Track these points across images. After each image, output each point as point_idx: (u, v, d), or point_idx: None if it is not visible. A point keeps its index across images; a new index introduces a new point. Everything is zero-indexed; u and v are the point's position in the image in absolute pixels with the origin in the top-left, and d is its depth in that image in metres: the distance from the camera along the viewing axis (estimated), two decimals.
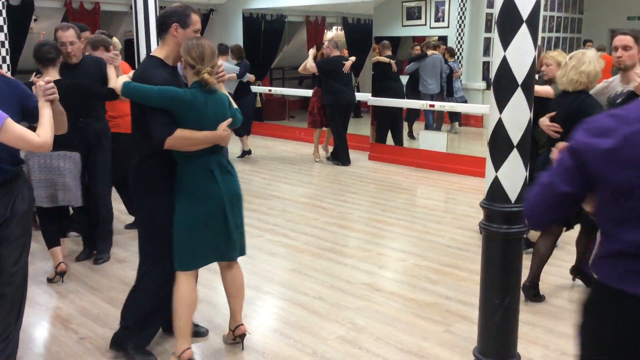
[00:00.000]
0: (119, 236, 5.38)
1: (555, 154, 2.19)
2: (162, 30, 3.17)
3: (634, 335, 1.67)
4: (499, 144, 2.70)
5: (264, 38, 12.66)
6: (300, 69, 9.16)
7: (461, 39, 10.83)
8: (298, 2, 11.66)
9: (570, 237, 5.37)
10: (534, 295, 4.09)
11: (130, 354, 3.28)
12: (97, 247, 4.92)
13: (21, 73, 7.60)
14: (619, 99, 3.88)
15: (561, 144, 2.15)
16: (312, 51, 9.29)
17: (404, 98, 9.60)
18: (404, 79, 10.18)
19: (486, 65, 10.81)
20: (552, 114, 4.06)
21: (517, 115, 2.64)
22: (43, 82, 2.97)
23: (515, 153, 2.67)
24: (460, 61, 10.78)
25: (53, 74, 4.29)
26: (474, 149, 9.30)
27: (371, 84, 9.76)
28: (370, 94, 9.63)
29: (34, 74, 4.37)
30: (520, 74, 2.61)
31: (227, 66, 8.84)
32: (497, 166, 2.71)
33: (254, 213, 6.30)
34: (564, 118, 3.93)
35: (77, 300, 4.15)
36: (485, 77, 10.83)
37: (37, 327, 3.73)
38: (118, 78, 3.16)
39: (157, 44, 3.44)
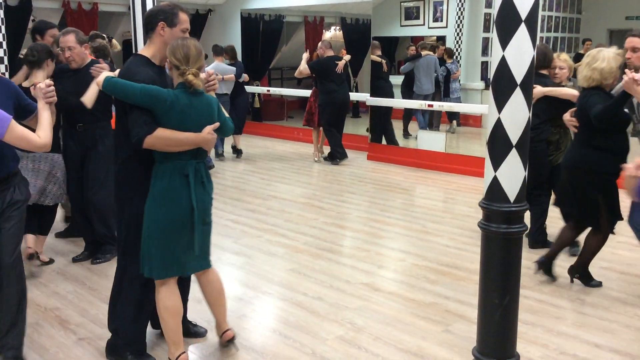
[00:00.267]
0: None
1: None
2: (149, 29, 3.08)
3: None
4: (498, 144, 2.70)
5: (262, 38, 12.66)
6: (295, 74, 9.30)
7: (459, 38, 10.83)
8: (296, 3, 11.66)
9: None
10: (585, 277, 4.32)
11: (129, 359, 3.24)
12: (97, 250, 4.91)
13: None
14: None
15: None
16: (305, 55, 9.37)
17: (392, 98, 9.68)
18: (398, 79, 10.25)
19: (485, 65, 10.82)
20: (574, 109, 4.28)
21: (516, 115, 2.64)
22: (43, 84, 3.04)
23: (514, 153, 2.67)
24: (458, 62, 10.78)
25: (39, 76, 4.31)
26: (472, 149, 9.31)
27: (370, 84, 9.80)
28: (368, 94, 9.65)
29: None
30: (519, 74, 2.61)
31: (225, 67, 8.93)
32: (496, 166, 2.71)
33: (252, 213, 6.30)
34: (578, 113, 4.16)
35: (76, 300, 4.15)
36: (484, 77, 10.84)
37: (35, 327, 3.72)
38: (101, 74, 3.07)
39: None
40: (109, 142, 4.62)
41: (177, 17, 3.07)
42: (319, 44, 9.20)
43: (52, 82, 3.11)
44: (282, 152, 10.14)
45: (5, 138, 2.84)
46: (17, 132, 2.86)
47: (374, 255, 5.06)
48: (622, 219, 4.15)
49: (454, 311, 3.96)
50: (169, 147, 2.94)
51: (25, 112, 3.14)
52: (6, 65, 6.93)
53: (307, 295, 4.21)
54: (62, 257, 4.97)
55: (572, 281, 4.39)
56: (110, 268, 4.75)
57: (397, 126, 10.03)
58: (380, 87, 9.55)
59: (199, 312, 3.74)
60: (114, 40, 6.62)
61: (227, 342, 3.39)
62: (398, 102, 9.97)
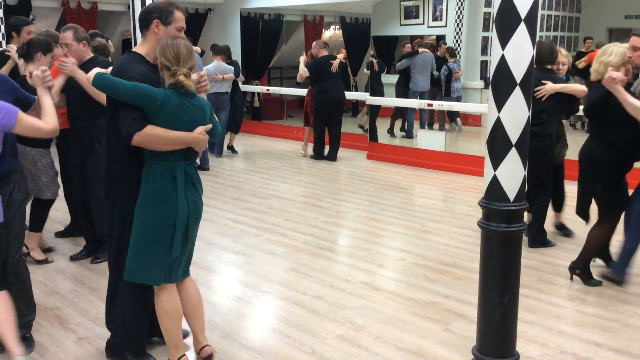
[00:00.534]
0: None
1: None
2: (144, 26, 3.04)
3: None
4: (498, 143, 2.70)
5: (261, 37, 12.66)
6: (297, 79, 9.44)
7: (459, 37, 10.84)
8: (296, 2, 11.65)
9: (568, 236, 5.38)
10: (585, 274, 4.36)
11: (129, 358, 3.23)
12: (97, 250, 4.91)
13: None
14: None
15: None
16: (302, 58, 9.46)
17: (382, 97, 9.84)
18: (393, 78, 10.32)
19: (484, 64, 10.83)
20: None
21: (515, 114, 2.64)
22: (39, 71, 3.10)
23: (513, 152, 2.67)
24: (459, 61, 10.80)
25: (30, 68, 4.37)
26: (472, 148, 9.31)
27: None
28: (367, 93, 9.69)
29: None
30: (518, 73, 2.61)
31: (226, 67, 9.02)
32: (495, 165, 2.71)
33: (252, 212, 6.30)
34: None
35: (76, 300, 4.15)
36: (484, 76, 10.84)
37: (35, 327, 3.71)
38: (94, 69, 3.01)
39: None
40: (105, 141, 4.58)
41: (172, 15, 3.01)
42: (313, 43, 9.31)
43: (46, 68, 3.18)
44: (281, 151, 10.14)
45: (16, 129, 2.91)
46: (25, 122, 2.94)
47: (373, 255, 5.06)
48: (618, 212, 4.19)
49: (453, 310, 3.96)
50: (158, 146, 2.88)
51: (24, 106, 3.19)
52: None
53: (307, 295, 4.21)
54: (61, 257, 4.97)
55: (571, 278, 4.39)
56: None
57: (386, 124, 10.15)
58: (371, 86, 9.79)
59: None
60: (109, 42, 6.61)
61: (204, 359, 3.26)
62: (398, 101, 9.97)
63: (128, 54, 3.10)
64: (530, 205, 4.53)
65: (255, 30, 12.55)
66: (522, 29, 2.57)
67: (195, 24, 12.48)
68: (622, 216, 4.19)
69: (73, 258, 4.89)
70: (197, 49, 9.04)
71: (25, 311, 3.38)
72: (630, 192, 4.18)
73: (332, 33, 14.08)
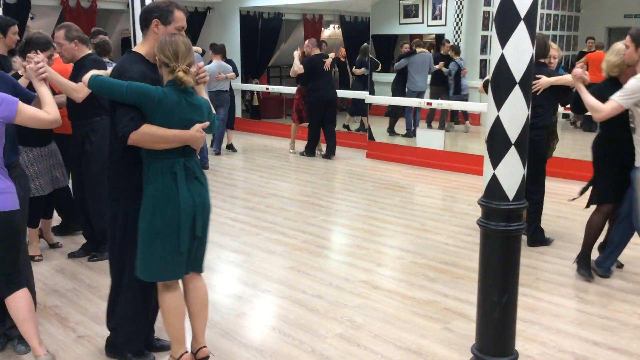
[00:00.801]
0: None
1: None
2: (144, 26, 3.03)
3: None
4: (497, 142, 2.69)
5: (261, 36, 12.66)
6: (291, 73, 9.55)
7: (458, 37, 10.83)
8: (295, 0, 11.65)
9: (566, 233, 5.38)
10: (582, 265, 4.43)
11: (129, 357, 3.23)
12: (95, 248, 4.91)
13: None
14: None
15: None
16: (297, 52, 9.50)
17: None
18: (390, 77, 10.34)
19: (484, 63, 10.82)
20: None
21: (515, 113, 2.64)
22: (32, 63, 3.11)
23: (513, 151, 2.67)
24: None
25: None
26: (471, 147, 9.32)
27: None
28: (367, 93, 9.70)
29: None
30: (518, 72, 2.60)
31: (227, 66, 9.11)
32: (495, 164, 2.71)
33: (251, 211, 6.30)
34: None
35: (75, 298, 4.15)
36: (483, 75, 10.83)
37: None
38: (90, 71, 3.00)
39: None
40: (95, 140, 4.56)
41: (172, 15, 3.00)
42: (306, 42, 9.38)
43: (40, 59, 3.18)
44: (280, 150, 10.14)
45: (17, 120, 2.91)
46: (26, 112, 2.94)
47: (373, 253, 5.06)
48: (601, 202, 4.34)
49: (453, 309, 3.96)
50: (155, 144, 2.86)
51: (24, 102, 3.17)
52: None
53: (306, 293, 4.21)
54: (61, 255, 4.97)
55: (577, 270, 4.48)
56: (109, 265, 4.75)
57: (383, 123, 10.16)
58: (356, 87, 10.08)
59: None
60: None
61: None
62: (397, 100, 9.97)
63: (128, 54, 3.09)
64: None
65: (255, 29, 12.54)
66: (521, 28, 2.56)
67: (195, 22, 12.47)
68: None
69: (71, 255, 4.90)
70: (198, 49, 9.05)
71: None
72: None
73: (331, 32, 14.07)
